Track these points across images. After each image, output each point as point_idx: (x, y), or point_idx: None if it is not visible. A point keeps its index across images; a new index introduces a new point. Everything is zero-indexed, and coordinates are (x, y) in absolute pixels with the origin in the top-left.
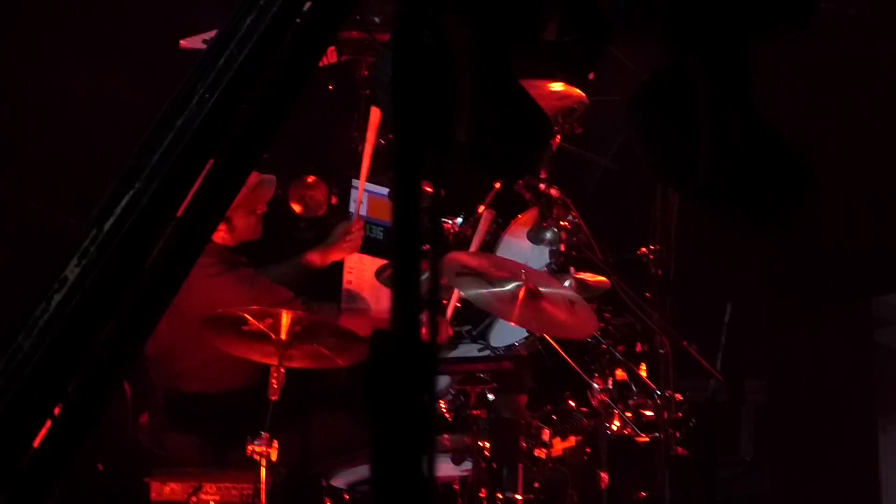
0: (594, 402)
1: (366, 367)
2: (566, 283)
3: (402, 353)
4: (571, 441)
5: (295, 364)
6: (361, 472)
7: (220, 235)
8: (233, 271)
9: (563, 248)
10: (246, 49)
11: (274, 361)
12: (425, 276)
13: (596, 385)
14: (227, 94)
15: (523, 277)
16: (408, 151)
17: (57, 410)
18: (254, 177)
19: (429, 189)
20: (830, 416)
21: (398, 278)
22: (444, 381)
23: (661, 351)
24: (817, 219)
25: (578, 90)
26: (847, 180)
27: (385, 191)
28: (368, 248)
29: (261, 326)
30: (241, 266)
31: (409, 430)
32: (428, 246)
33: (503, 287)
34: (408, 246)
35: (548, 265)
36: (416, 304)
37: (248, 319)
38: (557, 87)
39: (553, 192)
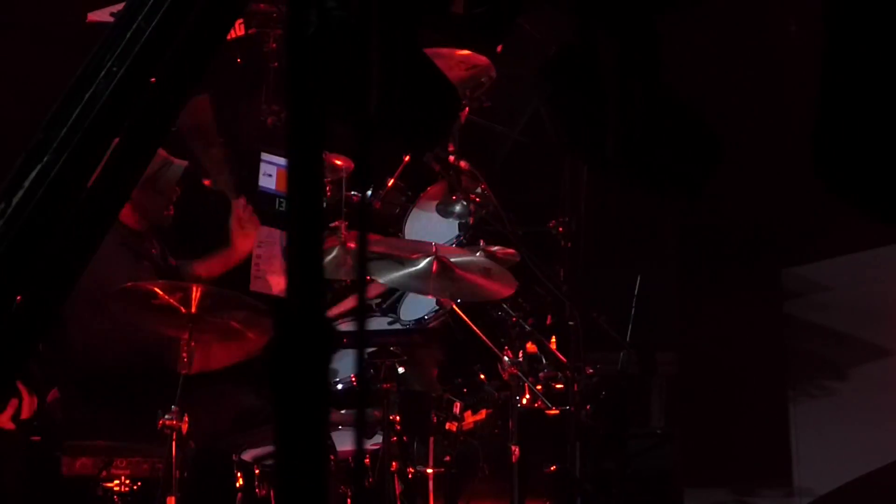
0: (505, 375)
1: (268, 340)
2: (476, 255)
3: (302, 325)
4: (482, 414)
5: (206, 338)
6: (272, 446)
7: (123, 213)
8: (128, 253)
9: (472, 220)
10: (153, 22)
11: (184, 335)
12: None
13: (506, 358)
14: (135, 67)
15: (434, 251)
16: (302, 122)
17: None
18: (160, 158)
19: (339, 162)
20: (741, 388)
21: (294, 251)
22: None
23: (570, 323)
24: (726, 189)
25: (484, 57)
26: (757, 150)
27: None
28: (278, 221)
29: (170, 300)
30: (143, 257)
31: (309, 402)
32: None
33: (416, 265)
34: (303, 218)
35: (457, 238)
36: (314, 276)
37: (157, 293)
38: (463, 53)
39: (462, 164)
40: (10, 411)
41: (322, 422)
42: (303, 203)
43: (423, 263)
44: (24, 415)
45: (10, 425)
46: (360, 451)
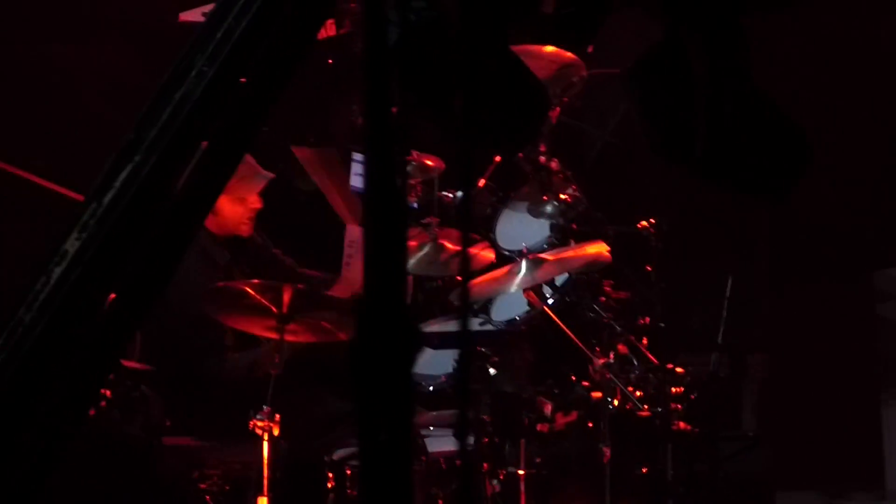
0: (596, 377)
1: (350, 339)
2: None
3: (384, 325)
4: (573, 415)
5: (296, 338)
6: None
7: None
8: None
9: (563, 221)
10: (244, 21)
11: (275, 336)
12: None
13: (597, 359)
14: (226, 68)
15: (524, 254)
16: (379, 120)
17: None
18: (247, 166)
19: (430, 162)
20: (833, 391)
21: (373, 250)
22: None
23: (661, 325)
24: (817, 190)
25: (573, 54)
26: (848, 154)
27: None
28: None
29: (262, 300)
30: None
31: (392, 401)
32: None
33: (513, 275)
34: (381, 216)
35: (548, 238)
36: (396, 275)
37: (249, 293)
38: (553, 51)
39: (553, 165)
40: (140, 419)
41: (405, 422)
42: (382, 201)
43: (519, 269)
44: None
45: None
46: (463, 452)
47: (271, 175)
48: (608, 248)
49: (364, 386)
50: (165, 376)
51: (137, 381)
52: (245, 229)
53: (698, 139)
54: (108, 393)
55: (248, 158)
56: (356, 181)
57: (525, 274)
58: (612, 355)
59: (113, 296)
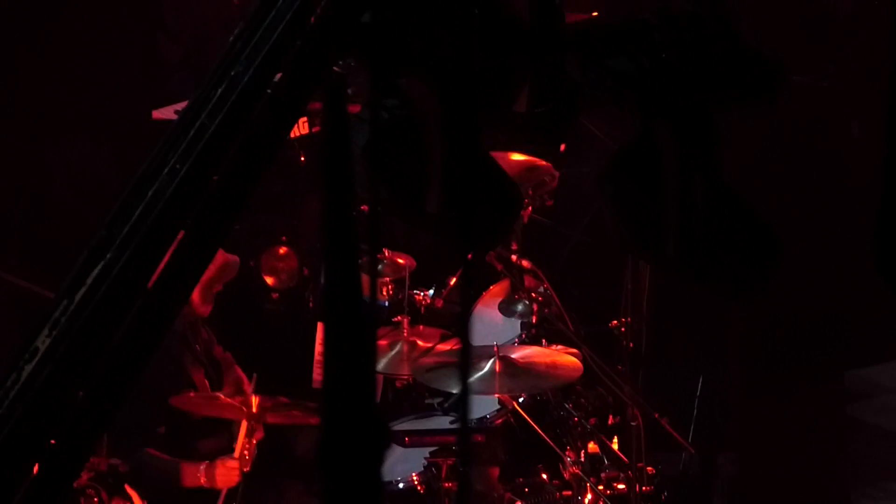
0: (566, 475)
1: (316, 437)
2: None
3: (352, 422)
4: None
5: (270, 420)
6: None
7: None
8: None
9: (535, 319)
10: (217, 119)
11: (245, 433)
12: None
13: (568, 458)
14: (198, 165)
15: (496, 351)
16: (338, 219)
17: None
18: (220, 255)
19: (401, 261)
20: (803, 490)
21: (330, 351)
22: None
23: (632, 423)
24: (789, 290)
25: (544, 161)
26: (820, 251)
27: None
28: None
29: (233, 403)
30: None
31: (360, 499)
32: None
33: (481, 370)
34: (344, 313)
35: (519, 337)
36: (364, 373)
37: (220, 398)
38: (518, 157)
39: (525, 263)
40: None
41: None
42: (344, 298)
43: (486, 366)
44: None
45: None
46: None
47: (237, 258)
48: (579, 359)
49: (332, 483)
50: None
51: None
52: (206, 311)
53: (670, 238)
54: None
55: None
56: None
57: (493, 372)
58: (582, 454)
59: (83, 393)
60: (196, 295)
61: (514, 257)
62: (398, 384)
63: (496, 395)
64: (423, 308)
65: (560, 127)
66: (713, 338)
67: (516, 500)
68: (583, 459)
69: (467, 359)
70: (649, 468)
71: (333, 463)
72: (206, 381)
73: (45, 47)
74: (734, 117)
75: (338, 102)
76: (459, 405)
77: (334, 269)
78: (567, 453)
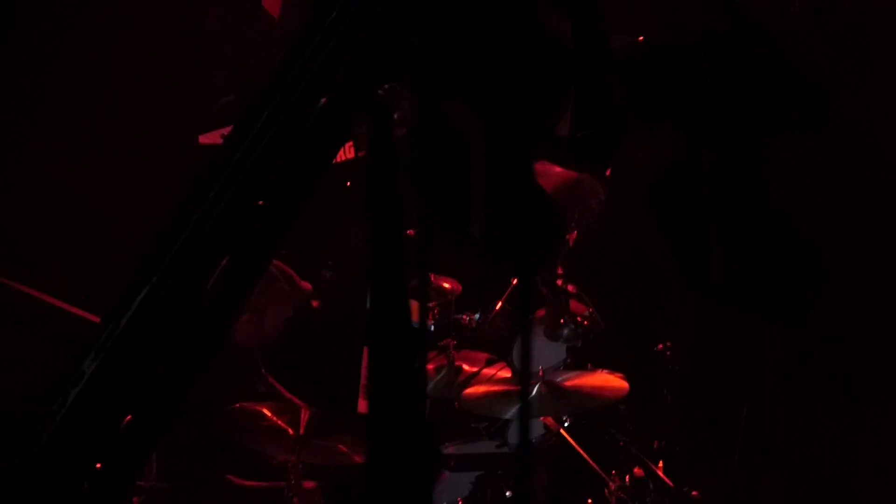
0: (612, 500)
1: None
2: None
3: (401, 446)
4: None
5: (312, 460)
6: None
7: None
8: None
9: (580, 343)
10: (262, 144)
11: (292, 458)
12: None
13: (613, 483)
14: (243, 189)
15: (541, 374)
16: (384, 244)
17: None
18: (297, 280)
19: (447, 285)
20: None
21: (376, 376)
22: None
23: (677, 448)
24: (833, 312)
25: (588, 175)
26: (863, 277)
27: None
28: None
29: (279, 422)
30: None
31: None
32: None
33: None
34: (388, 337)
35: (564, 361)
36: (414, 396)
37: (266, 414)
38: (561, 170)
39: (570, 287)
40: None
41: None
42: (392, 322)
43: (532, 390)
44: None
45: None
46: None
47: (308, 286)
48: (625, 381)
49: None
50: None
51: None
52: (273, 341)
53: (714, 260)
54: None
55: (292, 273)
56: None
57: (539, 395)
58: (627, 478)
59: (129, 417)
60: (270, 317)
61: (559, 281)
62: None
63: (541, 419)
64: (468, 332)
65: (605, 151)
66: (757, 361)
67: None
68: (627, 484)
69: (525, 385)
70: (694, 492)
71: (382, 489)
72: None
73: (95, 73)
74: (781, 140)
75: (383, 126)
76: (514, 432)
77: (381, 293)
78: (612, 478)
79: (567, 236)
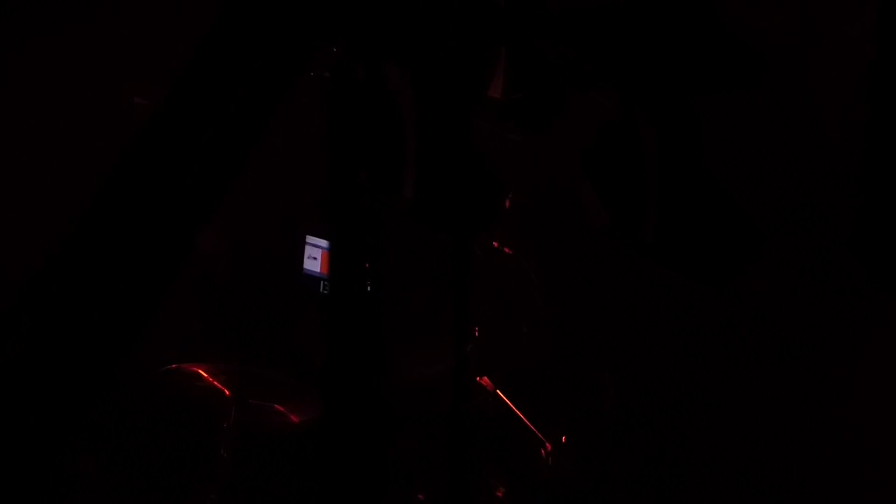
0: (548, 462)
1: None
2: None
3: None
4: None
5: (248, 422)
6: None
7: None
8: None
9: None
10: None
11: (228, 420)
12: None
13: (549, 443)
14: (178, 155)
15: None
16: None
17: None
18: None
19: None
20: None
21: (336, 326)
22: None
23: (609, 408)
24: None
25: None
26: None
27: None
28: (321, 303)
29: (215, 382)
30: None
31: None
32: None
33: None
34: (345, 297)
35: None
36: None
37: (202, 375)
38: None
39: (506, 250)
40: None
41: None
42: (345, 283)
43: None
44: None
45: None
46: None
47: None
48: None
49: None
50: None
51: None
52: None
53: (647, 223)
54: None
55: None
56: (309, 264)
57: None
58: (563, 438)
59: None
60: None
61: (495, 243)
62: None
63: (478, 380)
64: None
65: (541, 115)
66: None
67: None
68: (564, 443)
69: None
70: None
71: (336, 452)
72: None
73: (23, 27)
74: (715, 102)
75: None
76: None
77: (340, 258)
78: (548, 438)
79: (504, 199)
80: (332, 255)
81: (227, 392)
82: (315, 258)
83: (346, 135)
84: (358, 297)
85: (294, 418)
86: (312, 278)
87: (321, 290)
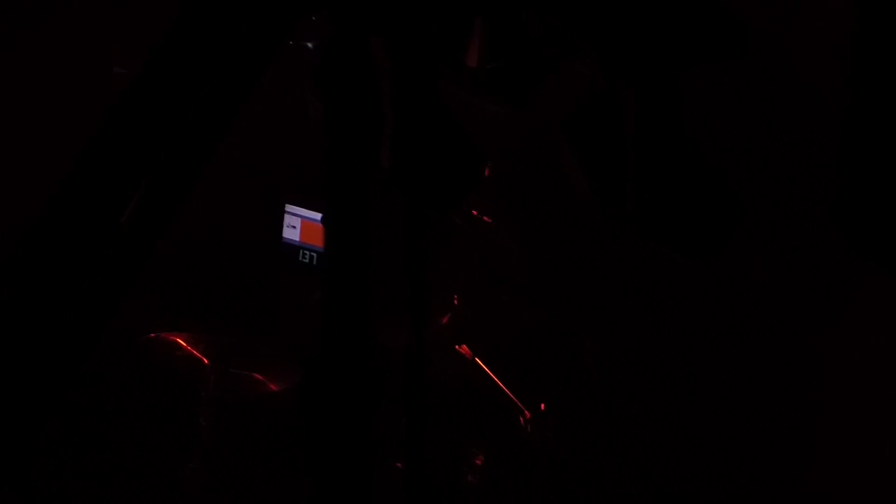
0: (528, 429)
1: (302, 402)
2: None
3: (338, 382)
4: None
5: (227, 391)
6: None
7: None
8: None
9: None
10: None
11: (206, 388)
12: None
13: (529, 411)
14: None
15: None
16: (339, 172)
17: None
18: None
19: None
20: None
21: (330, 304)
22: None
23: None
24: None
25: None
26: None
27: (318, 216)
28: (300, 272)
29: (194, 351)
30: None
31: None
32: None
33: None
34: (341, 271)
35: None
36: (352, 328)
37: (181, 344)
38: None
39: (486, 219)
40: None
41: (365, 476)
42: (338, 254)
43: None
44: None
45: None
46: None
47: None
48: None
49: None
50: None
51: None
52: None
53: (629, 194)
54: None
55: None
56: (288, 233)
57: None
58: (542, 406)
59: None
60: None
61: (474, 212)
62: None
63: (456, 348)
64: None
65: (519, 86)
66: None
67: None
68: (543, 411)
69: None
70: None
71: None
72: None
73: None
74: (697, 73)
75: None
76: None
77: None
78: (528, 406)
79: (483, 170)
80: (329, 230)
81: (207, 361)
82: (294, 227)
83: (341, 112)
84: (355, 271)
85: (273, 387)
86: (291, 247)
87: (300, 258)
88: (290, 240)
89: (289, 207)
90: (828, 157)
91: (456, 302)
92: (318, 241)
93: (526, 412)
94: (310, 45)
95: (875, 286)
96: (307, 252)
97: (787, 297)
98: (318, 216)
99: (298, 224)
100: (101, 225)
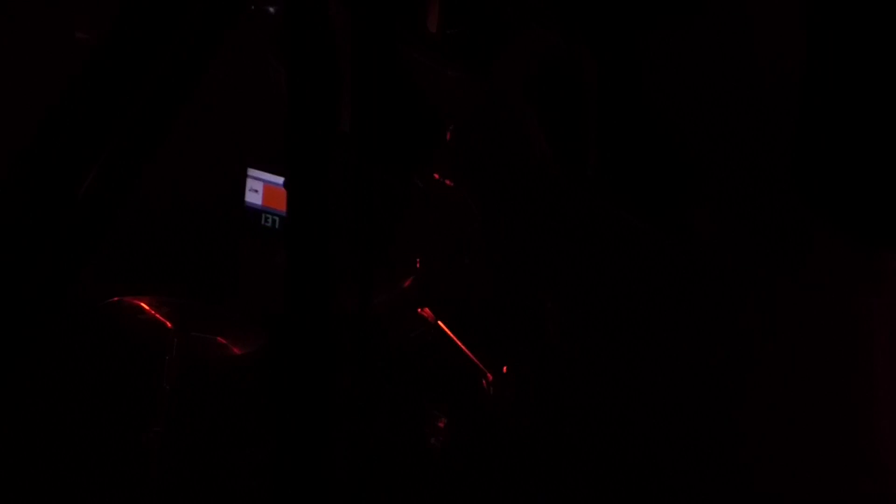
0: (490, 392)
1: (265, 359)
2: None
3: (301, 345)
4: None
5: (190, 355)
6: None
7: None
8: None
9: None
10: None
11: (169, 351)
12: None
13: (490, 374)
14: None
15: (419, 267)
16: (302, 136)
17: None
18: None
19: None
20: None
21: (293, 265)
22: None
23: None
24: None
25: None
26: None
27: (280, 179)
28: (263, 236)
29: (157, 315)
30: None
31: (311, 420)
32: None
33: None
34: (304, 233)
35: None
36: (316, 291)
37: (144, 307)
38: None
39: (448, 182)
40: None
41: (324, 436)
42: (301, 215)
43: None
44: None
45: None
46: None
47: None
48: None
49: (281, 405)
50: None
51: None
52: None
53: (590, 158)
54: None
55: None
56: (251, 196)
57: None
58: (504, 369)
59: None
60: None
61: (436, 175)
62: None
63: (419, 311)
64: None
65: (479, 52)
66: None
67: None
68: (505, 373)
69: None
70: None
71: (282, 383)
72: None
73: None
74: (655, 37)
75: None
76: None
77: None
78: (489, 369)
79: (443, 135)
80: (292, 194)
81: (169, 324)
82: (256, 191)
83: (303, 76)
84: (318, 235)
85: (236, 350)
86: (254, 211)
87: (262, 222)
88: (253, 204)
89: (251, 171)
90: (785, 120)
91: (418, 265)
92: (280, 205)
93: (488, 374)
94: (271, 9)
95: (827, 244)
96: (270, 216)
97: (742, 256)
98: (281, 180)
99: (261, 188)
100: (61, 194)
